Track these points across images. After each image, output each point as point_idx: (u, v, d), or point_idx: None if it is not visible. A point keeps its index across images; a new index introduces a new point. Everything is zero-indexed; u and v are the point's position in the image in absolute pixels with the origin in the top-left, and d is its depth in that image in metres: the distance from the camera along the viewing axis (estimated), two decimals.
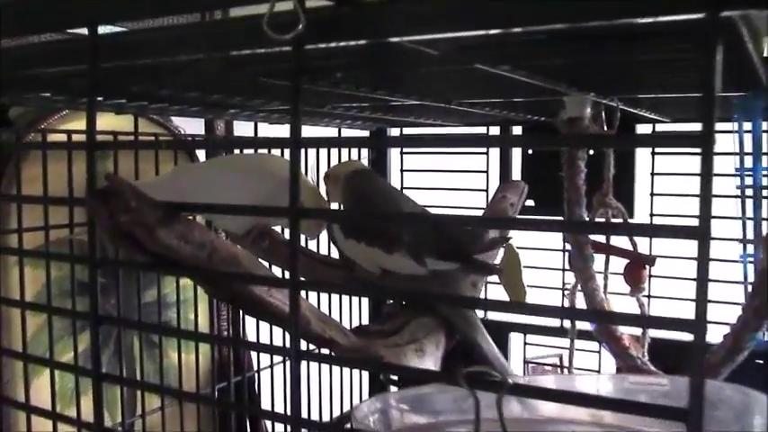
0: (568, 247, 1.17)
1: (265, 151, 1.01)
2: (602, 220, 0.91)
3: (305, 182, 0.89)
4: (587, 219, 0.89)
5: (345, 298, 1.25)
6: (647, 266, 0.89)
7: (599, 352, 1.24)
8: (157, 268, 0.51)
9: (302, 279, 0.34)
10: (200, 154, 1.08)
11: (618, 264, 0.92)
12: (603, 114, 0.83)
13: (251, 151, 1.01)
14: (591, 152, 0.91)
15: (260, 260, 0.94)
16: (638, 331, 0.93)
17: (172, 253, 0.39)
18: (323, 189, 0.94)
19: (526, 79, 0.55)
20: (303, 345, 0.99)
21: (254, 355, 1.17)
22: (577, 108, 0.76)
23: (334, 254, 1.01)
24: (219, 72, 0.51)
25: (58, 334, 0.90)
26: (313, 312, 0.55)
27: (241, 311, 1.09)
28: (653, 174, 1.15)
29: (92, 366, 0.43)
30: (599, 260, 0.92)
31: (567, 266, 1.22)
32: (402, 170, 1.35)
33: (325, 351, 0.61)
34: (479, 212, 1.23)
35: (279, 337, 1.11)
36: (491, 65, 0.49)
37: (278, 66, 0.50)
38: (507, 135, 1.24)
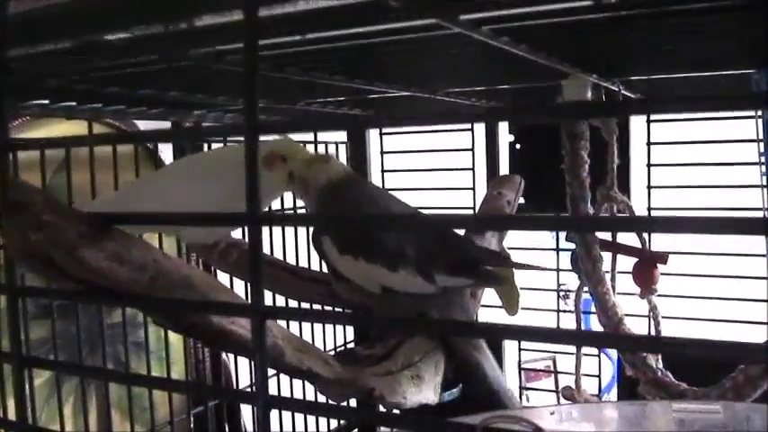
0: (564, 245, 1.11)
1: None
2: (606, 215, 0.84)
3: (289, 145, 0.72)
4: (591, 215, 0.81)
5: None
6: (660, 265, 0.81)
7: (598, 356, 1.18)
8: (87, 298, 0.43)
9: (270, 305, 0.26)
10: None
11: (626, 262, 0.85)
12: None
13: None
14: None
15: (231, 275, 0.86)
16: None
17: (103, 278, 0.31)
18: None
19: (527, 55, 0.47)
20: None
21: (233, 371, 1.09)
22: (577, 92, 0.69)
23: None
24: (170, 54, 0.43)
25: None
26: (288, 340, 0.47)
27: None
28: (649, 165, 1.08)
29: (16, 418, 0.35)
30: (605, 259, 0.85)
31: (561, 266, 1.15)
32: (383, 171, 1.28)
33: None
34: (468, 213, 1.17)
35: None
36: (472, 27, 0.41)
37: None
38: (516, 107, 1.08)
